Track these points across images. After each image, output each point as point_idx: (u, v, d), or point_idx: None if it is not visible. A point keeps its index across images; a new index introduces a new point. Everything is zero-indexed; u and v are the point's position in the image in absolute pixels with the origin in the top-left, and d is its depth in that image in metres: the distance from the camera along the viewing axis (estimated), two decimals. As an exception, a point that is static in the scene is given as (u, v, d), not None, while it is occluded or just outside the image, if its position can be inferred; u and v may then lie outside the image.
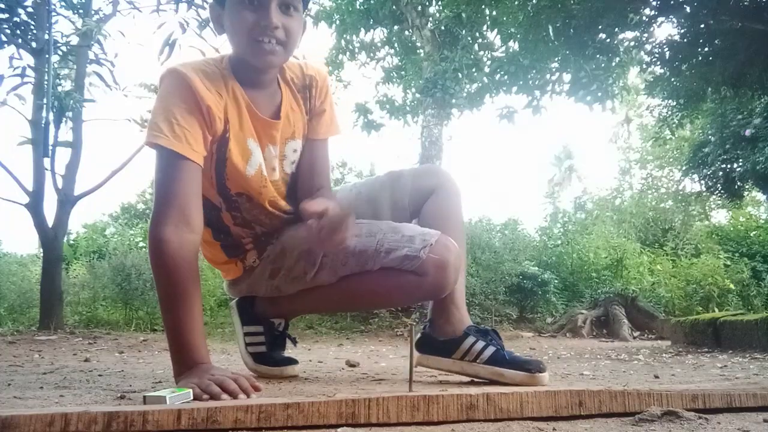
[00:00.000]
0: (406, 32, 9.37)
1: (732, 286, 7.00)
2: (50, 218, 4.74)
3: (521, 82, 7.72)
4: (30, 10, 4.57)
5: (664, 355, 2.84)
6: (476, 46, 8.75)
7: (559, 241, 8.33)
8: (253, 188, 1.35)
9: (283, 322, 1.56)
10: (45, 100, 4.45)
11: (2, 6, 4.42)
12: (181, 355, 1.13)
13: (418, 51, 9.47)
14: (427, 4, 8.63)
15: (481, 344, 1.35)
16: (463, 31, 8.34)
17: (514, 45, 7.16)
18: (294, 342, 1.61)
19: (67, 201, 4.83)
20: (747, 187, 7.41)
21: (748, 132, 6.42)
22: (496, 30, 7.99)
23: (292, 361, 1.58)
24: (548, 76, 7.74)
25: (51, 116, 4.56)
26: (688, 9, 4.18)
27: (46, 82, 4.42)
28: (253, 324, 1.54)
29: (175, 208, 1.14)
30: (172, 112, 1.17)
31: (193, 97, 1.19)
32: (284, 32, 1.22)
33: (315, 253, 1.37)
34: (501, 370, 1.32)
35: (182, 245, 1.13)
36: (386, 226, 1.37)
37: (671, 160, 15.26)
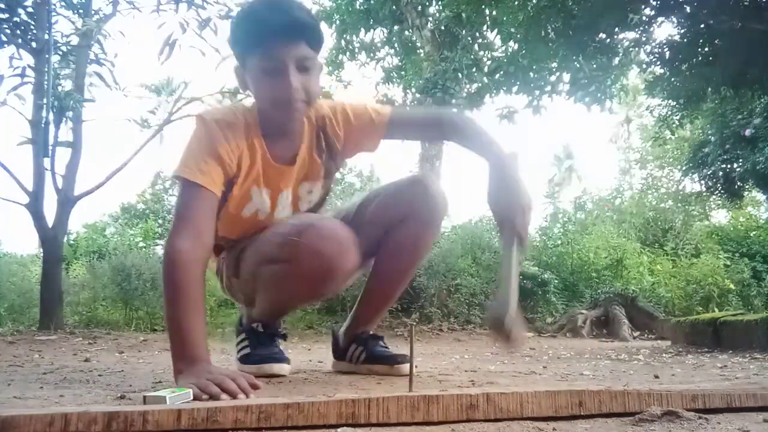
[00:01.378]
0: (406, 32, 9.37)
1: (732, 286, 7.00)
2: (50, 218, 4.73)
3: (521, 83, 7.72)
4: (30, 10, 4.57)
5: (664, 355, 2.84)
6: (476, 46, 8.76)
7: (559, 241, 8.32)
8: (242, 227, 1.51)
9: (262, 323, 1.61)
10: (45, 100, 4.45)
11: (2, 6, 4.42)
12: (182, 354, 1.16)
13: (418, 51, 9.47)
14: (427, 4, 8.63)
15: (360, 349, 1.65)
16: (463, 31, 8.34)
17: (514, 45, 7.16)
18: (284, 338, 1.66)
19: (67, 201, 4.83)
20: (747, 187, 7.41)
21: (748, 132, 6.42)
22: (496, 30, 7.98)
23: (276, 359, 1.55)
24: (548, 76, 7.74)
25: (51, 116, 4.56)
26: (688, 9, 4.18)
27: (46, 82, 4.42)
28: (239, 334, 1.67)
29: (190, 226, 1.26)
30: (196, 153, 1.32)
31: (213, 146, 1.32)
32: (304, 91, 1.32)
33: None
34: (371, 366, 1.62)
35: (192, 255, 1.23)
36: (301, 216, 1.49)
37: (671, 160, 15.27)
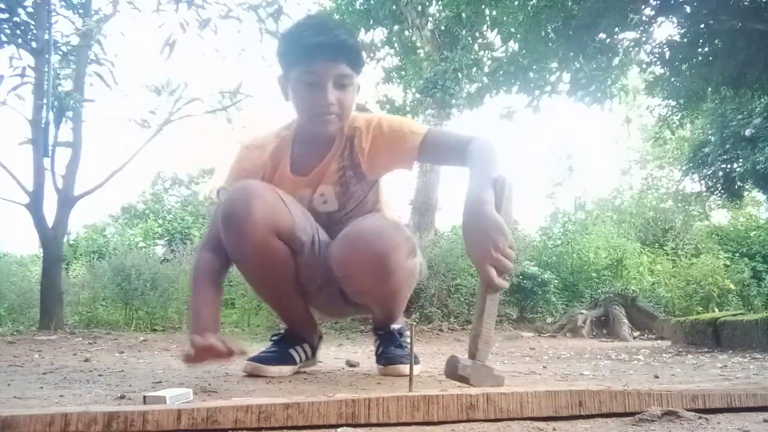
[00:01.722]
0: (406, 32, 9.36)
1: (732, 286, 6.99)
2: (50, 218, 4.73)
3: (521, 82, 7.72)
4: (30, 10, 4.56)
5: (664, 355, 2.84)
6: (476, 46, 8.74)
7: (559, 241, 8.33)
8: None
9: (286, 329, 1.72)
10: (45, 100, 4.45)
11: (2, 6, 4.42)
12: (191, 324, 1.41)
13: (418, 51, 9.46)
14: (427, 4, 8.62)
15: (378, 347, 1.74)
16: (463, 31, 8.33)
17: (514, 45, 7.15)
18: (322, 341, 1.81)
19: (67, 201, 4.83)
20: (747, 187, 7.41)
21: (748, 132, 6.42)
22: (496, 30, 7.98)
23: (265, 360, 1.58)
24: (548, 76, 7.73)
25: (51, 116, 4.56)
26: (688, 9, 4.18)
27: (46, 82, 4.42)
28: None
29: (214, 240, 1.49)
30: (228, 176, 1.61)
31: (240, 168, 1.59)
32: (339, 106, 1.44)
33: None
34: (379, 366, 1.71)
35: (211, 264, 1.49)
36: None
37: (671, 160, 15.27)
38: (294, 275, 1.53)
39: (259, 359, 1.58)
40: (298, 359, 1.65)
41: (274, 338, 1.70)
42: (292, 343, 1.66)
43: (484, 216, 1.14)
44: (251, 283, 1.57)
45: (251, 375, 1.54)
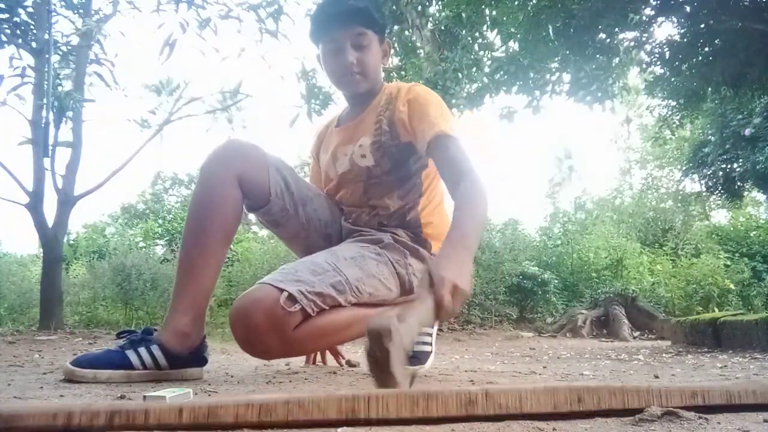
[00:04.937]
0: (406, 32, 9.36)
1: (732, 286, 7.00)
2: (50, 218, 4.73)
3: (521, 82, 7.71)
4: (30, 10, 4.57)
5: (664, 355, 2.84)
6: (476, 46, 8.74)
7: (559, 241, 8.33)
8: (328, 186, 1.70)
9: None
10: (45, 100, 4.45)
11: (2, 6, 4.42)
12: None
13: (418, 51, 9.47)
14: (427, 4, 8.62)
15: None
16: (463, 31, 8.33)
17: (514, 45, 7.15)
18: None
19: (67, 201, 4.83)
20: (747, 187, 7.42)
21: (748, 132, 6.43)
22: (496, 30, 7.98)
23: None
24: (548, 76, 7.73)
25: (51, 116, 4.56)
26: (688, 9, 4.18)
27: (46, 82, 4.42)
28: None
29: None
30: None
31: (312, 149, 1.86)
32: (360, 65, 1.54)
33: None
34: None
35: None
36: None
37: (671, 160, 15.27)
38: (229, 235, 1.46)
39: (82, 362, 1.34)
40: (135, 362, 1.36)
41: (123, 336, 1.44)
42: (140, 342, 1.38)
43: (462, 261, 1.17)
44: (186, 225, 1.46)
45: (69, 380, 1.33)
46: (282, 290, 1.26)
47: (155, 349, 1.37)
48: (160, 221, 11.81)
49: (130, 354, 1.35)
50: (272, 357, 1.38)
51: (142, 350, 1.36)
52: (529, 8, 4.76)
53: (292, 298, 1.26)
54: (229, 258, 7.15)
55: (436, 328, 1.82)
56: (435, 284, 1.10)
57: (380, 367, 0.95)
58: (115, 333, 1.45)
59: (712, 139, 7.15)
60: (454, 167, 1.41)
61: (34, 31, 4.60)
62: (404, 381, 0.97)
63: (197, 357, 1.45)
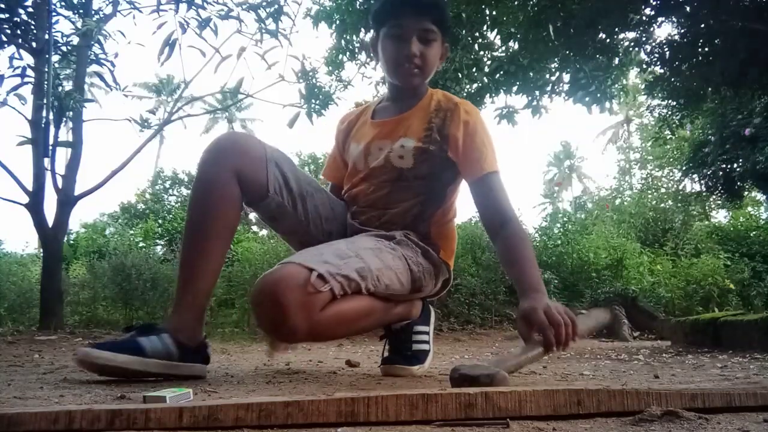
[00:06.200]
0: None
1: (732, 286, 6.99)
2: (50, 218, 4.73)
3: (521, 82, 7.71)
4: (30, 10, 4.57)
5: (664, 355, 2.84)
6: (476, 46, 8.73)
7: (559, 241, 8.32)
8: (350, 178, 1.68)
9: None
10: (45, 100, 4.45)
11: (2, 6, 4.42)
12: None
13: (418, 51, 9.45)
14: (428, 4, 8.60)
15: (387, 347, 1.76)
16: (463, 31, 8.32)
17: (514, 45, 7.15)
18: None
19: (67, 201, 4.83)
20: (747, 187, 7.42)
21: (748, 132, 6.43)
22: (496, 30, 7.97)
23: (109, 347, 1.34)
24: (548, 76, 7.72)
25: (51, 116, 4.56)
26: (688, 9, 4.18)
27: (46, 82, 4.42)
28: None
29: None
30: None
31: (335, 134, 1.81)
32: (421, 59, 1.52)
33: None
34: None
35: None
36: None
37: (671, 160, 15.28)
38: (229, 235, 1.44)
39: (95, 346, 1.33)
40: (149, 348, 1.33)
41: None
42: (149, 332, 1.37)
43: (545, 298, 1.35)
44: (186, 226, 1.43)
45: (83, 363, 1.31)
46: (311, 269, 1.23)
47: (166, 337, 1.35)
48: (160, 221, 11.81)
49: (142, 341, 1.33)
50: (297, 340, 1.33)
51: (153, 338, 1.34)
52: (529, 8, 4.76)
53: (321, 278, 1.24)
54: (229, 258, 7.15)
55: (432, 326, 1.83)
56: (542, 330, 1.23)
57: None
58: (122, 329, 1.43)
59: (712, 139, 7.15)
60: (498, 208, 1.50)
61: (34, 31, 4.59)
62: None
63: (203, 354, 1.45)
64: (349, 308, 1.34)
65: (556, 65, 6.18)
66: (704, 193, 9.22)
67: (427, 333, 1.78)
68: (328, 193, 1.67)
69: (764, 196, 8.69)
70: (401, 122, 1.59)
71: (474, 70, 8.30)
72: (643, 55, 5.17)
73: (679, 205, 12.49)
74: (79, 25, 4.97)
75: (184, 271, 1.41)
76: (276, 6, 5.46)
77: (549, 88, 7.20)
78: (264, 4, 5.40)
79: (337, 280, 1.27)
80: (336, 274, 1.27)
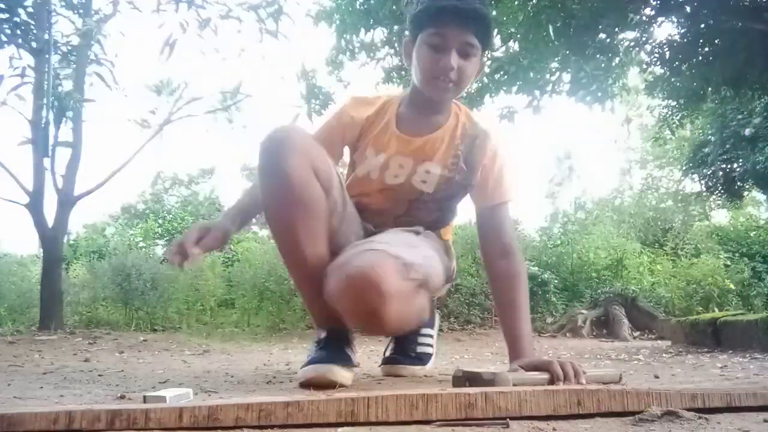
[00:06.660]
0: (407, 32, 9.36)
1: (732, 286, 6.99)
2: (50, 218, 4.73)
3: (521, 82, 7.71)
4: (30, 10, 4.56)
5: (664, 355, 2.84)
6: (476, 47, 8.72)
7: (559, 241, 8.32)
8: (359, 186, 1.54)
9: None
10: (45, 100, 4.45)
11: (2, 6, 4.42)
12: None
13: (418, 51, 9.45)
14: (428, 4, 8.61)
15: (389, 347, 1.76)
16: (463, 31, 8.32)
17: (514, 45, 7.15)
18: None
19: (67, 201, 4.83)
20: (747, 187, 7.42)
21: (748, 132, 6.43)
22: (496, 30, 7.97)
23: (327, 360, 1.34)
24: (548, 76, 7.72)
25: (51, 116, 4.57)
26: (688, 9, 4.18)
27: (46, 82, 4.42)
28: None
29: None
30: (323, 127, 1.56)
31: (340, 115, 1.54)
32: (458, 74, 1.39)
33: None
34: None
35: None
36: None
37: (671, 160, 15.27)
38: (328, 231, 1.33)
39: (315, 361, 1.31)
40: (354, 360, 1.38)
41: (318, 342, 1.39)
42: (344, 342, 1.38)
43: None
44: (281, 237, 1.33)
45: (310, 385, 1.27)
46: (396, 257, 1.15)
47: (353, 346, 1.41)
48: (160, 221, 11.81)
49: (349, 351, 1.37)
50: (387, 332, 1.30)
51: (349, 349, 1.38)
52: (529, 8, 4.76)
53: (408, 267, 1.16)
54: (229, 258, 7.15)
55: (437, 329, 1.83)
56: (550, 365, 1.17)
57: None
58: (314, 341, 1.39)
59: (712, 139, 7.15)
60: (502, 237, 1.47)
61: (34, 31, 4.59)
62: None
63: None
64: (423, 298, 1.27)
65: (557, 65, 6.18)
66: (704, 193, 9.21)
67: (432, 336, 1.78)
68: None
69: (764, 196, 8.69)
70: (427, 143, 1.49)
71: (474, 70, 8.29)
72: (643, 55, 5.17)
73: (679, 205, 12.50)
74: (79, 25, 4.97)
75: (300, 289, 1.40)
76: (276, 6, 5.46)
77: (549, 88, 7.20)
78: (264, 4, 5.40)
79: (422, 268, 1.22)
80: (417, 264, 1.20)
